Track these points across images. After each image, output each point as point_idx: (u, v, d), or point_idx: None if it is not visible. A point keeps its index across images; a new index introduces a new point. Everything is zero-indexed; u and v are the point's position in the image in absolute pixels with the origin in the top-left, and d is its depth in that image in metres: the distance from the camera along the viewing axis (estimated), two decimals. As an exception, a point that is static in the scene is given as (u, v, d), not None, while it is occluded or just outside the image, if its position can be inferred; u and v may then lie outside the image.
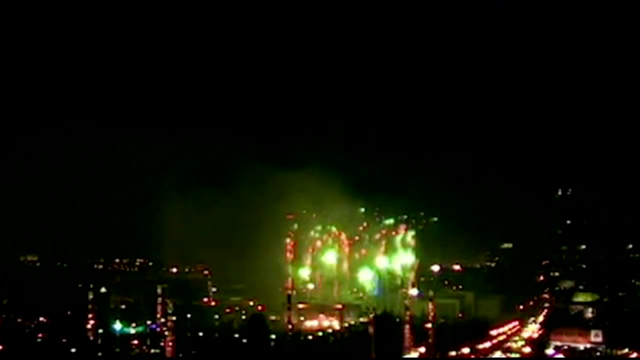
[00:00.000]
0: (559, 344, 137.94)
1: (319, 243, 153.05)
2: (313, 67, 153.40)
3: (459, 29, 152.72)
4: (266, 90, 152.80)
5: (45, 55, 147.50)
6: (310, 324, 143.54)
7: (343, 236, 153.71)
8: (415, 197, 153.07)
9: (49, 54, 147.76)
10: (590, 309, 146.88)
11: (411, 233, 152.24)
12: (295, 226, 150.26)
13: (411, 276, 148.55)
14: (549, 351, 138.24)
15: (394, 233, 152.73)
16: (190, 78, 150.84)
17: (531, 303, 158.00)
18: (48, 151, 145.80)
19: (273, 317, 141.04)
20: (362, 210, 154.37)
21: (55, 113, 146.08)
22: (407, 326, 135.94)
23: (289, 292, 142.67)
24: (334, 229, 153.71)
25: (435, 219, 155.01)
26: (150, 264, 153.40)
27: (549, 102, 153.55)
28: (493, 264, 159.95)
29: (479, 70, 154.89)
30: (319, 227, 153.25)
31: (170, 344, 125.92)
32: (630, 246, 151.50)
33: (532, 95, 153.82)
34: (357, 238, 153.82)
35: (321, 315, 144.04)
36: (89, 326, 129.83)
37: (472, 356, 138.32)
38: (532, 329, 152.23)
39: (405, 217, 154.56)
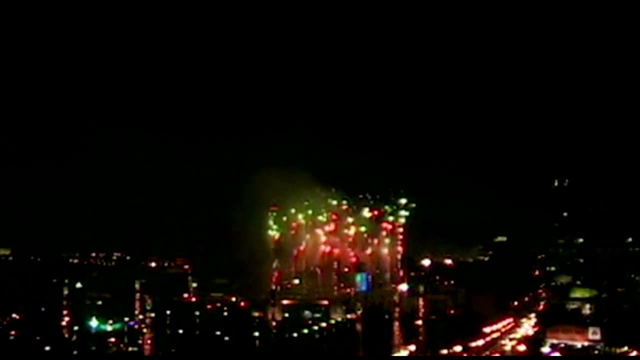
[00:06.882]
0: (555, 341, 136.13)
1: (303, 236, 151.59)
2: (291, 60, 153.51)
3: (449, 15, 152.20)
4: (243, 82, 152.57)
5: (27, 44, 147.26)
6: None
7: (328, 228, 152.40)
8: (405, 187, 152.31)
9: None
10: (588, 305, 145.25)
11: (400, 225, 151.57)
12: (279, 218, 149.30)
13: (400, 271, 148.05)
14: (545, 349, 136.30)
15: (381, 225, 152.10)
16: (166, 71, 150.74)
17: (526, 299, 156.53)
18: (25, 144, 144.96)
19: (256, 314, 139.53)
20: (348, 201, 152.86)
21: (31, 107, 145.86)
22: (396, 323, 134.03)
23: (273, 287, 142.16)
24: (319, 220, 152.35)
25: (426, 210, 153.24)
26: (128, 258, 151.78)
27: (544, 90, 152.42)
28: (486, 258, 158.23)
29: (474, 59, 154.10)
30: (303, 220, 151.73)
31: (149, 341, 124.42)
32: (630, 240, 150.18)
33: (527, 85, 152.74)
34: (343, 230, 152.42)
35: (307, 312, 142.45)
36: (63, 323, 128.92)
37: (465, 354, 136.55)
38: (527, 326, 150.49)
39: (393, 208, 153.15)
